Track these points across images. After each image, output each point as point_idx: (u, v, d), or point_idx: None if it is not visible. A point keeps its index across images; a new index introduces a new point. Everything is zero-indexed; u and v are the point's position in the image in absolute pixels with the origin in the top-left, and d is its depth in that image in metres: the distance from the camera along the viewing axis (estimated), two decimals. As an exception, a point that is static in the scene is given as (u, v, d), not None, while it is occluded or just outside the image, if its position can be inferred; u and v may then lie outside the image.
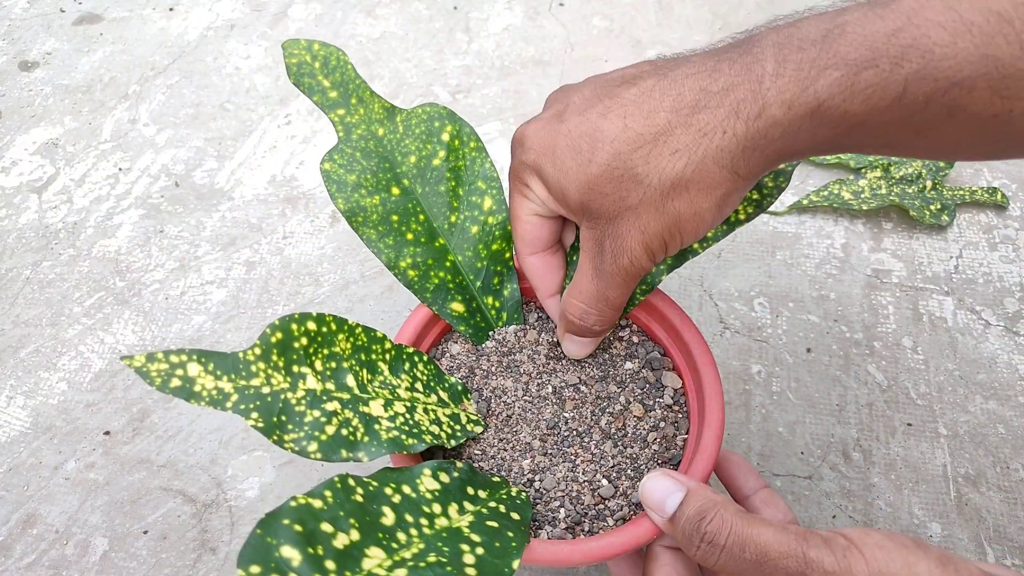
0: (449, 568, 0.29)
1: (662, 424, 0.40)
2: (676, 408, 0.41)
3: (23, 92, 0.80)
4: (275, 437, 0.31)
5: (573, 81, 0.40)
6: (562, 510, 0.37)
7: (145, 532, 0.51)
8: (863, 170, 0.69)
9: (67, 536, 0.51)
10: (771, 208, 0.68)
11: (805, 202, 0.67)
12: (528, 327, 0.44)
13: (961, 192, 0.67)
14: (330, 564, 0.26)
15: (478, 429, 0.40)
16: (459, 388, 0.41)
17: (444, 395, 0.40)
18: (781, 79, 0.30)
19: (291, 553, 0.26)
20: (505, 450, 0.40)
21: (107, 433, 0.56)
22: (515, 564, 0.30)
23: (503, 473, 0.39)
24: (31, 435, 0.56)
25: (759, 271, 0.64)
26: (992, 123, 0.29)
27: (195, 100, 0.79)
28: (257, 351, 0.32)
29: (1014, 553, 0.50)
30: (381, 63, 0.81)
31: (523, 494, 0.37)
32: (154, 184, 0.72)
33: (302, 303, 0.63)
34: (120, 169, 0.73)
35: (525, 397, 0.41)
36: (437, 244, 0.42)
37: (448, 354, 0.44)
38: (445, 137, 0.42)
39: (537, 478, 0.39)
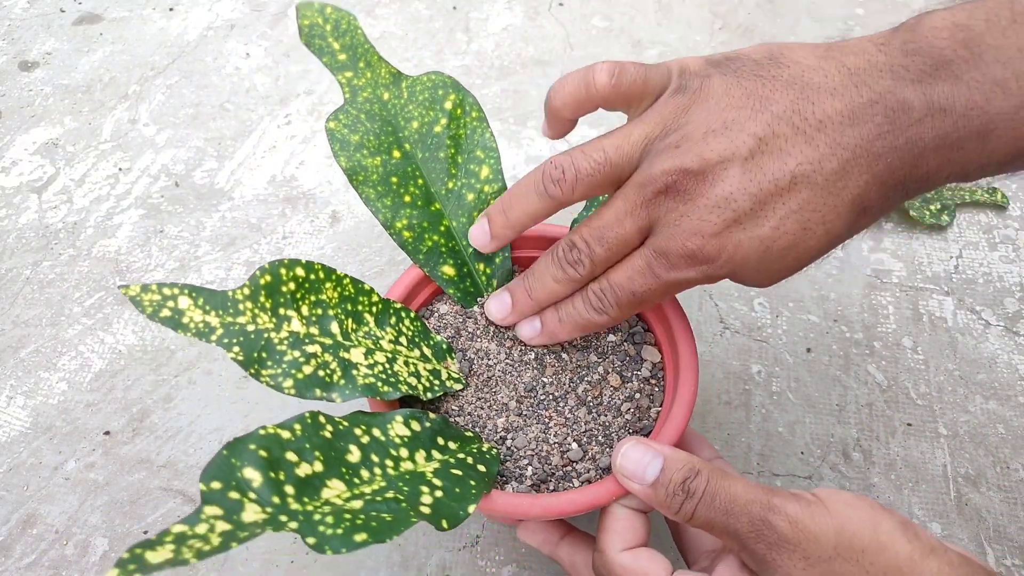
0: (404, 504, 0.30)
1: (637, 395, 0.41)
2: (653, 382, 0.42)
3: (23, 92, 0.80)
4: (252, 370, 0.32)
5: None
6: (529, 468, 0.38)
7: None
8: None
9: (67, 536, 0.51)
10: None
11: None
12: None
13: (961, 192, 0.67)
14: (289, 489, 0.28)
15: (458, 387, 0.41)
16: (444, 347, 0.42)
17: (428, 351, 0.41)
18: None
19: (253, 475, 0.27)
20: (482, 408, 0.41)
21: (107, 433, 0.56)
22: (470, 508, 0.32)
23: (477, 429, 0.40)
24: (31, 435, 0.56)
25: (759, 271, 0.64)
26: None
27: (195, 100, 0.79)
28: (246, 291, 0.33)
29: (1014, 553, 0.50)
30: (381, 63, 0.81)
31: (494, 450, 0.38)
32: (154, 184, 0.72)
33: (302, 303, 0.63)
34: (120, 169, 0.73)
35: (507, 360, 0.42)
36: (433, 208, 0.43)
37: (436, 314, 0.45)
38: (448, 105, 0.43)
39: (510, 436, 0.40)
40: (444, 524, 0.30)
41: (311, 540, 0.27)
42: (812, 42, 0.35)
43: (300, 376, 0.34)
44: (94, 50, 0.84)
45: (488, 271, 0.45)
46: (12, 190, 0.71)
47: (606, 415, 0.41)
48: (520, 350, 0.43)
